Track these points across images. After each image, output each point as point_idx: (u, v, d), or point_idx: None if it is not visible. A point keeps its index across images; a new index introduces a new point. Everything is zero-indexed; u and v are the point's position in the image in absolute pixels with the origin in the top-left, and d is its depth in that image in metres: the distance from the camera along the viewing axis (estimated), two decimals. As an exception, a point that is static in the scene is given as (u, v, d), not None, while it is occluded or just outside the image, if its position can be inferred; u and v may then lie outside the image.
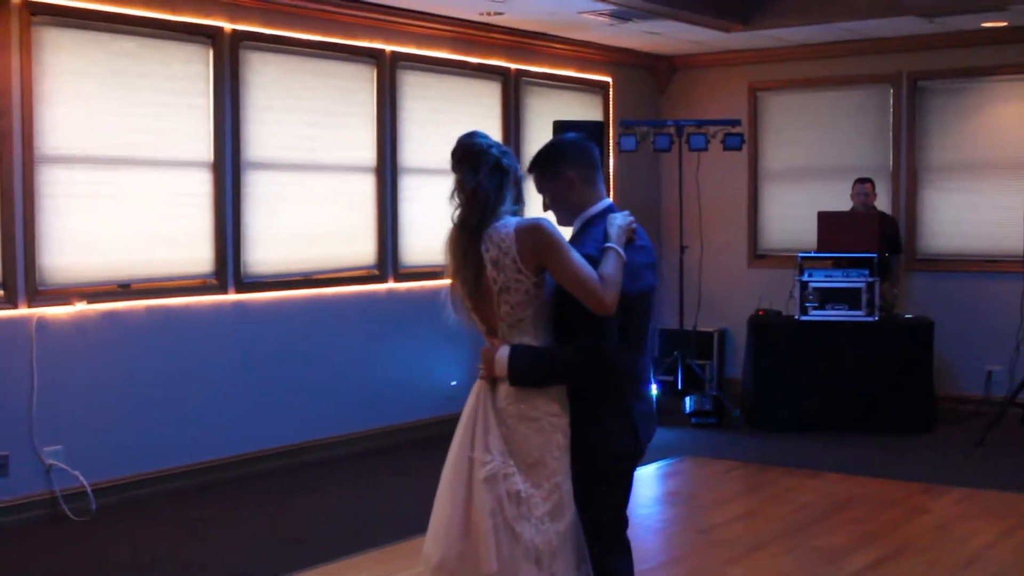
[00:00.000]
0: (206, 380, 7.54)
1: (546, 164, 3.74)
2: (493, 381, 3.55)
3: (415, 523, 6.47)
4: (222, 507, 7.05)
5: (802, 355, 9.19)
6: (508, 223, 3.51)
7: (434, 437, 8.73)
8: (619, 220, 3.59)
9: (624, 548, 3.74)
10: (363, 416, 8.50)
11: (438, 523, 3.54)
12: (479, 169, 3.53)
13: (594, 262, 3.45)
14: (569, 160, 3.71)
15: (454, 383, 9.02)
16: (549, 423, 3.50)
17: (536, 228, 3.46)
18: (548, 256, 3.44)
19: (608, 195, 3.80)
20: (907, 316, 9.39)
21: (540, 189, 3.75)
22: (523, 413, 3.49)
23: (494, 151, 3.56)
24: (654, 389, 8.43)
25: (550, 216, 3.72)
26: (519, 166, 3.63)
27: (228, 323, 7.69)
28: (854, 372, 9.05)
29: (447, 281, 3.70)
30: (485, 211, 3.51)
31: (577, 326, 3.49)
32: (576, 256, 3.43)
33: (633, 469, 3.74)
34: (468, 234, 3.52)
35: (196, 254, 7.51)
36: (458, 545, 3.46)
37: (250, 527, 6.65)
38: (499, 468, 3.45)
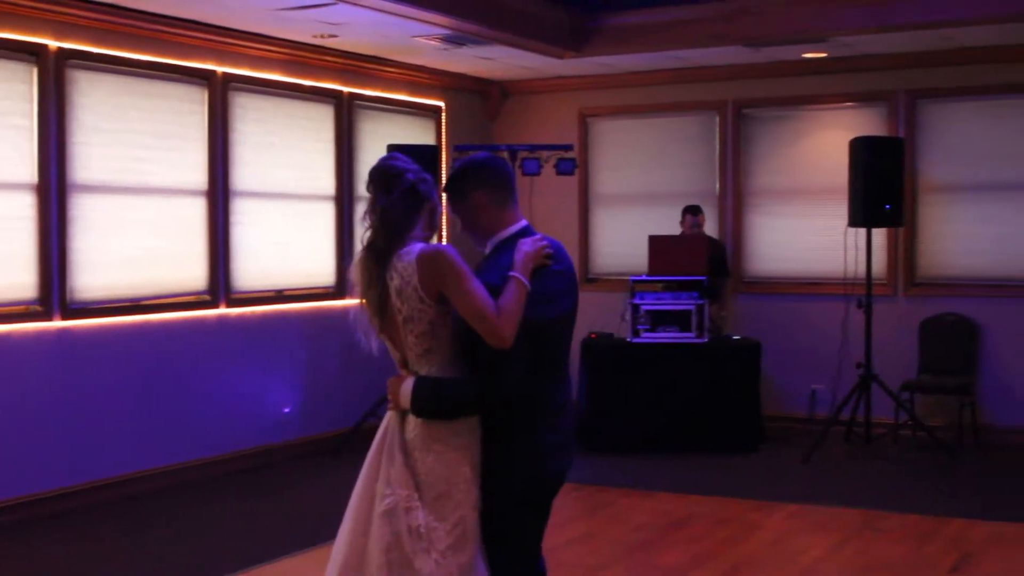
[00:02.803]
0: (29, 411, 7.25)
1: (454, 186, 3.64)
2: (404, 413, 3.46)
3: (246, 556, 6.38)
4: (45, 543, 6.78)
5: (634, 377, 9.33)
6: (412, 250, 3.40)
7: (265, 466, 8.59)
8: (526, 246, 3.49)
9: None
10: (193, 445, 8.28)
11: (337, 552, 3.48)
12: (392, 191, 3.45)
13: (496, 291, 3.36)
14: (477, 181, 3.60)
15: (287, 410, 8.89)
16: (456, 456, 3.41)
17: (436, 256, 3.36)
18: (447, 285, 3.34)
19: (523, 216, 3.69)
20: (735, 337, 9.62)
21: (452, 212, 3.66)
22: (428, 446, 3.41)
23: (410, 176, 3.47)
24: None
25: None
26: (437, 195, 3.55)
27: (53, 351, 7.41)
28: (685, 393, 9.22)
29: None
30: (392, 234, 3.42)
31: (481, 357, 3.36)
32: (476, 285, 3.34)
33: (545, 502, 3.66)
34: (375, 257, 3.44)
35: (19, 279, 7.22)
36: None
37: (72, 563, 6.41)
38: (400, 502, 3.37)
